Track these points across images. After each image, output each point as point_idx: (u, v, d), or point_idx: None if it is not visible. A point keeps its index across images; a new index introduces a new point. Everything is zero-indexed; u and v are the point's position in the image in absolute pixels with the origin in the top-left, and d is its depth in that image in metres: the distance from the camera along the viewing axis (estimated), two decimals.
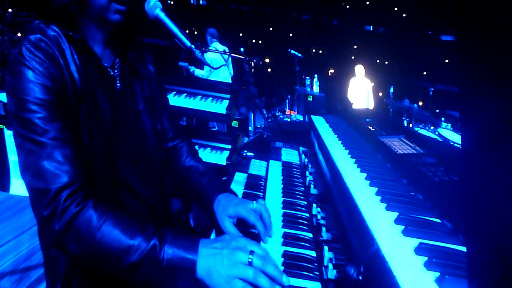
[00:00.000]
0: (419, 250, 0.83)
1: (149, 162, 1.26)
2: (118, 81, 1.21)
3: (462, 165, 0.55)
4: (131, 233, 0.90)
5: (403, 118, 5.01)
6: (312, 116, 2.32)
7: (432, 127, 3.43)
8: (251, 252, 0.88)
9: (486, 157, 0.53)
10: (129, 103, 1.23)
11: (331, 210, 1.37)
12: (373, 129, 1.83)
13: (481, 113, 0.53)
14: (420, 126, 3.84)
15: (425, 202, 1.09)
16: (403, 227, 0.92)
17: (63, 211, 0.90)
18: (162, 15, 1.25)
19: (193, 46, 1.30)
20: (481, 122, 0.53)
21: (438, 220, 0.99)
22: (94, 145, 1.07)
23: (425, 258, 0.80)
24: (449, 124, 3.87)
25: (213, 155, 2.65)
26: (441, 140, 2.63)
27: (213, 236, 1.21)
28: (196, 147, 1.58)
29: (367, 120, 2.09)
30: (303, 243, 1.15)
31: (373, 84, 7.68)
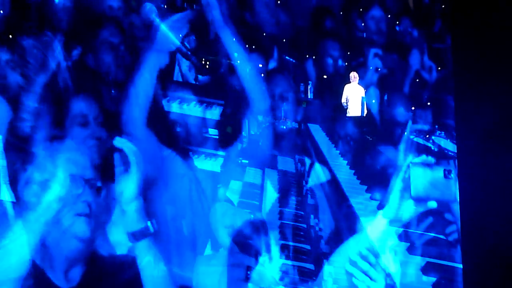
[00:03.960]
0: (425, 270, 0.80)
1: None
2: (112, 88, 1.18)
3: (458, 170, 0.55)
4: None
5: (398, 126, 5.02)
6: (308, 125, 2.30)
7: (427, 135, 3.44)
8: (248, 268, 0.86)
9: (482, 161, 0.52)
10: None
11: (330, 222, 1.34)
12: (371, 139, 1.81)
13: (476, 116, 0.51)
14: (415, 133, 3.86)
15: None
16: (408, 244, 0.89)
17: None
18: (157, 20, 1.25)
19: (189, 53, 1.30)
20: (477, 125, 0.51)
21: (442, 236, 0.96)
22: None
23: (433, 279, 0.77)
24: (443, 132, 3.88)
25: (207, 162, 2.61)
26: (437, 149, 2.63)
27: (209, 245, 1.19)
28: (190, 153, 1.57)
29: (364, 129, 2.07)
30: (301, 256, 1.12)
31: (365, 90, 7.71)
